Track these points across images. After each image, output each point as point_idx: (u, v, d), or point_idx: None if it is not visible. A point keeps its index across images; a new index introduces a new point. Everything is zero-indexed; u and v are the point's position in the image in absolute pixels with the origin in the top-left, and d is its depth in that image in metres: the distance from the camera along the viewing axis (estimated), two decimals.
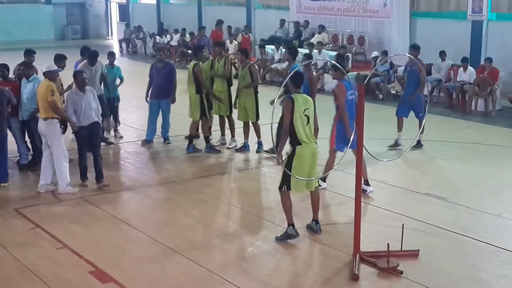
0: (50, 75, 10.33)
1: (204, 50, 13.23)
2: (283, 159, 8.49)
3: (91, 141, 10.67)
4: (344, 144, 9.50)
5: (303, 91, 8.60)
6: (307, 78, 10.71)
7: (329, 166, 10.05)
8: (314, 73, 11.57)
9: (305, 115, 8.17)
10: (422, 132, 12.35)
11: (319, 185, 10.34)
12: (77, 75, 10.54)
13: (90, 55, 12.77)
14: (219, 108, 12.94)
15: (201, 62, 12.78)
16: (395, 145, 12.76)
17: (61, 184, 10.33)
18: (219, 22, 26.46)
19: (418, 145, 12.74)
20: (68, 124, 10.46)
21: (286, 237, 8.44)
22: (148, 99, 13.51)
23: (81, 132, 10.49)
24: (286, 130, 8.14)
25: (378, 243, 8.18)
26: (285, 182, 8.27)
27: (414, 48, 13.28)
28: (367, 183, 10.13)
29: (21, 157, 11.66)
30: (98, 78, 12.87)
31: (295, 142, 8.18)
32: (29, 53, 12.31)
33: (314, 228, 8.72)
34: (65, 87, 11.89)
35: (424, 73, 12.59)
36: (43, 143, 10.46)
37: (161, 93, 13.29)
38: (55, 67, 10.67)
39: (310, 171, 8.34)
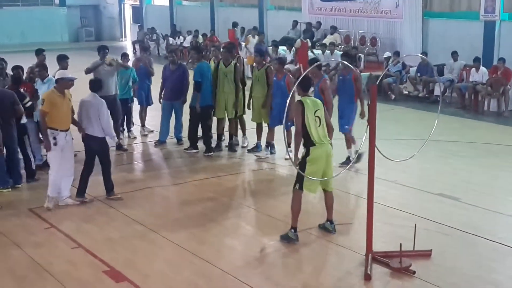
0: (61, 85, 9.84)
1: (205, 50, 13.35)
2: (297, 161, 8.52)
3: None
4: None
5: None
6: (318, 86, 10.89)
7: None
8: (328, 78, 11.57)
9: (317, 117, 8.25)
10: (349, 147, 11.58)
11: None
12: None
13: (98, 50, 13.15)
14: (225, 110, 12.93)
15: (213, 62, 12.94)
16: (347, 161, 11.40)
17: (61, 195, 9.92)
18: (235, 25, 26.71)
19: (358, 159, 11.11)
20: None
21: (285, 239, 8.46)
22: (161, 100, 13.60)
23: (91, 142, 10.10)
24: (298, 132, 8.21)
25: (390, 243, 8.19)
26: (298, 181, 8.32)
27: (347, 56, 12.88)
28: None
29: (35, 158, 11.75)
30: (116, 77, 13.09)
31: (309, 143, 8.24)
32: (39, 53, 12.64)
33: (329, 228, 8.76)
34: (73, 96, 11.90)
35: (360, 82, 11.51)
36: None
37: (174, 94, 13.34)
38: (68, 75, 10.06)
39: (324, 172, 8.39)
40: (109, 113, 12.69)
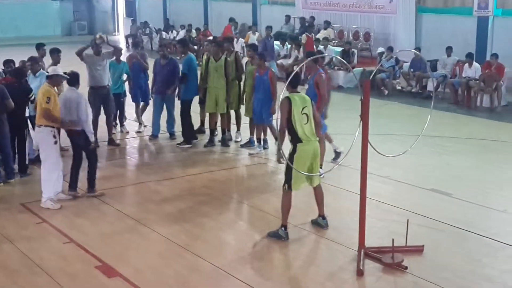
0: (54, 80, 9.83)
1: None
2: (282, 158, 8.51)
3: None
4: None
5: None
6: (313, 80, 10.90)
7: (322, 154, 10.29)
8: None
9: (304, 113, 8.21)
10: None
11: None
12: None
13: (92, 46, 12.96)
14: (215, 105, 12.87)
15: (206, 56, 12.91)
16: (336, 157, 11.60)
17: (43, 195, 9.64)
18: (231, 20, 26.84)
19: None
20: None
21: (275, 237, 8.42)
22: (152, 94, 13.57)
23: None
24: (283, 129, 8.18)
25: (383, 239, 8.19)
26: (287, 181, 8.28)
27: (312, 55, 12.22)
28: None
29: (28, 152, 11.70)
30: (108, 68, 12.98)
31: (296, 140, 8.21)
32: (39, 47, 12.65)
33: (321, 223, 8.76)
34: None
35: (324, 89, 10.80)
36: (40, 153, 9.91)
37: (165, 89, 13.30)
38: (60, 72, 10.00)
39: (311, 168, 8.37)
40: (101, 108, 12.74)
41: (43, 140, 9.67)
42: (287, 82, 8.28)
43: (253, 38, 22.71)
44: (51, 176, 9.64)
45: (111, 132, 13.14)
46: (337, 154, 11.59)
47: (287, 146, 8.35)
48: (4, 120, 10.61)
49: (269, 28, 21.59)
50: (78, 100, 9.73)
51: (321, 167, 10.60)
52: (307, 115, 8.24)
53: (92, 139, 9.93)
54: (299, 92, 8.45)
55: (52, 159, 9.62)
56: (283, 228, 8.42)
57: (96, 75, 12.56)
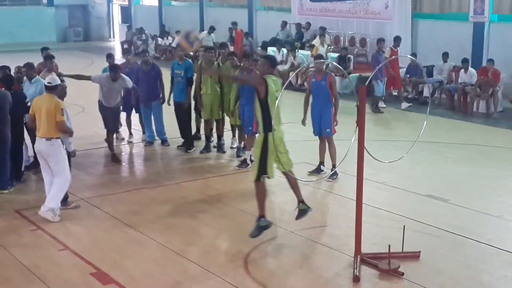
0: (59, 91, 9.40)
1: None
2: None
3: None
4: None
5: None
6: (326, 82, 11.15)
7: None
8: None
9: (275, 97, 8.09)
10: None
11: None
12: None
13: (110, 69, 12.36)
14: (210, 111, 12.72)
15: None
16: (317, 170, 11.41)
17: (46, 205, 9.30)
18: (235, 24, 26.94)
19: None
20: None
21: (262, 229, 8.34)
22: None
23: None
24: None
25: (379, 245, 8.17)
26: (262, 172, 8.18)
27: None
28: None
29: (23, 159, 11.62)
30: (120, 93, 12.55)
31: (268, 127, 7.98)
32: (47, 58, 12.68)
33: (304, 208, 8.60)
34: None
35: (336, 88, 11.29)
36: (43, 164, 9.45)
37: (150, 95, 13.21)
38: (58, 81, 9.50)
39: (278, 158, 8.24)
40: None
41: (56, 153, 9.29)
42: (266, 62, 8.48)
43: (322, 50, 20.67)
44: (63, 190, 9.43)
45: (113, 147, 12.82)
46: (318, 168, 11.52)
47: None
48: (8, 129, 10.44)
49: (381, 40, 18.55)
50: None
51: (334, 167, 10.88)
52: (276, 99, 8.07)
53: (70, 149, 9.76)
54: (272, 76, 8.36)
55: (66, 172, 9.42)
56: (263, 219, 8.35)
57: (110, 97, 12.31)
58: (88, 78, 12.31)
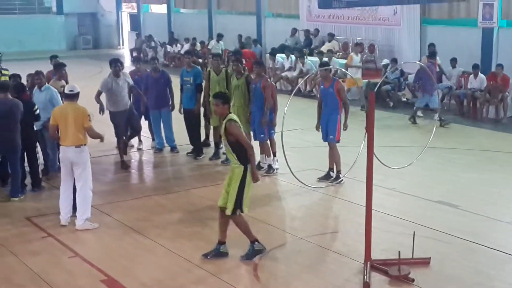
0: (77, 99, 9.34)
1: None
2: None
3: None
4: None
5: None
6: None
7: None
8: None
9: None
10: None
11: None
12: None
13: (110, 64, 12.57)
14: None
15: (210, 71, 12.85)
16: (326, 176, 11.36)
17: (81, 217, 9.28)
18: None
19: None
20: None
21: (256, 253, 8.20)
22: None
23: None
24: (250, 145, 8.01)
25: (389, 251, 8.15)
26: (238, 206, 8.02)
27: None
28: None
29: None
30: (126, 89, 12.55)
31: (246, 159, 7.96)
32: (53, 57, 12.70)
33: (224, 251, 8.28)
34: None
35: (345, 94, 11.48)
36: (65, 173, 9.34)
37: (159, 102, 13.23)
38: (78, 89, 9.39)
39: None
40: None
41: (84, 160, 9.29)
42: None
43: (356, 59, 19.39)
44: (89, 197, 9.40)
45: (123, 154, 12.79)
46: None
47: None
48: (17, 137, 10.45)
49: (432, 45, 18.62)
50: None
51: (339, 173, 10.97)
52: None
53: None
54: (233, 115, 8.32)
55: (90, 179, 9.42)
56: (256, 243, 8.25)
57: (120, 99, 12.37)
58: (99, 93, 12.35)
